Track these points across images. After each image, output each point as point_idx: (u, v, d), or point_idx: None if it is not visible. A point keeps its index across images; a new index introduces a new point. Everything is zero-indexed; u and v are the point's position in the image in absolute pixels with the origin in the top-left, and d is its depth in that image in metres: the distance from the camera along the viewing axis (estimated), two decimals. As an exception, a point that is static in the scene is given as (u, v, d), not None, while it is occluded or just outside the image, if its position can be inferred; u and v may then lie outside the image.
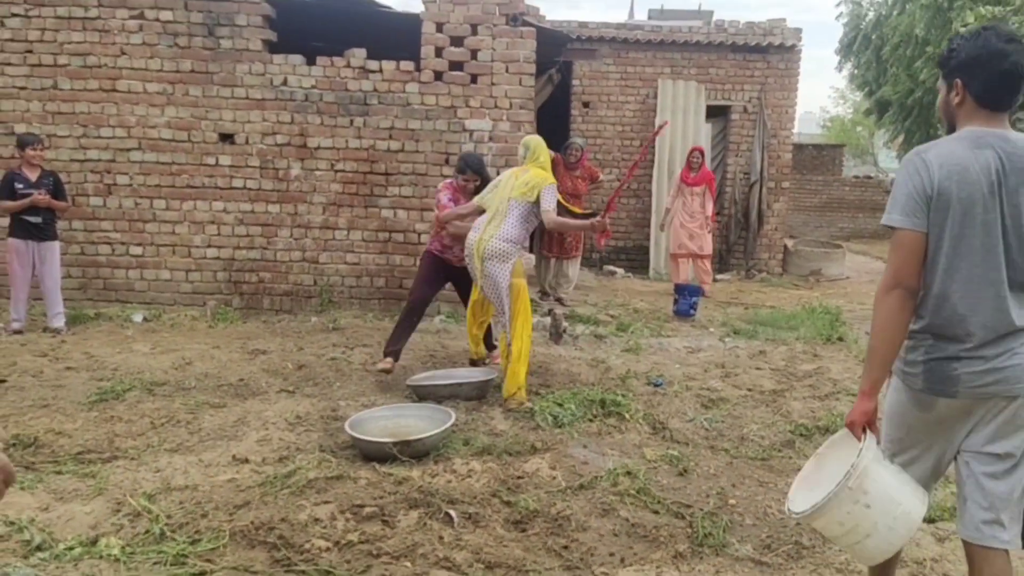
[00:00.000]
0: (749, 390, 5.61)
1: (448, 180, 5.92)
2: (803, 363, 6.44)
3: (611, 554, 3.10)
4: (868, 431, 2.25)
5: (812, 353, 6.80)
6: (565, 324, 7.14)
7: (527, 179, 5.13)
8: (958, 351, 2.18)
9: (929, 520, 3.50)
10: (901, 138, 18.99)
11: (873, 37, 18.14)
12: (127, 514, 3.24)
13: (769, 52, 12.20)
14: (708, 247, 10.21)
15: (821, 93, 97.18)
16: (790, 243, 13.90)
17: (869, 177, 23.64)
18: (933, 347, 2.22)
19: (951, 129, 2.31)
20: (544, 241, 9.15)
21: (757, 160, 12.31)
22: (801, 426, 4.77)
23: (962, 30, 11.93)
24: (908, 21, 15.90)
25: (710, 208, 10.20)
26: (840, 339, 7.31)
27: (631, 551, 3.14)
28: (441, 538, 3.13)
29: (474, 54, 7.51)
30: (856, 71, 20.43)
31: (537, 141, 5.39)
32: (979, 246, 2.15)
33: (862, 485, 2.16)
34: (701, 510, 3.50)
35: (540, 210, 5.06)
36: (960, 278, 2.17)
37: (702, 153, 10.19)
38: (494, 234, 5.00)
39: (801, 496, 2.37)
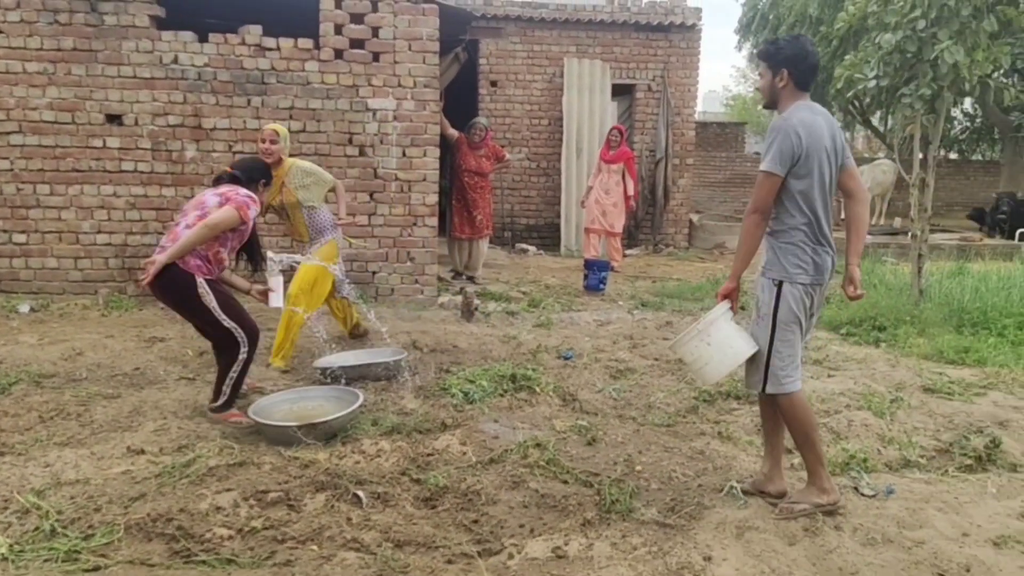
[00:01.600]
0: (656, 360, 5.73)
1: (248, 193, 4.45)
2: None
3: (521, 525, 3.12)
4: (728, 301, 3.27)
5: (716, 323, 6.97)
6: (477, 302, 7.14)
7: None
8: (826, 251, 3.17)
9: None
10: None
11: (770, 17, 18.72)
12: (15, 511, 3.06)
13: (671, 31, 12.43)
14: (619, 226, 10.37)
15: (724, 72, 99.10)
16: (695, 218, 14.27)
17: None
18: (814, 251, 3.14)
19: (772, 105, 3.27)
20: (456, 223, 9.11)
21: (662, 138, 12.55)
22: (705, 392, 4.90)
23: (852, 8, 12.42)
24: (802, 2, 16.52)
25: (632, 187, 10.34)
26: (743, 308, 7.51)
27: (540, 521, 3.16)
28: (349, 519, 3.08)
29: (375, 32, 7.36)
30: (755, 50, 21.06)
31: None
32: (828, 183, 3.15)
33: (708, 331, 3.20)
34: (609, 477, 3.55)
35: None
36: (821, 205, 3.13)
37: (621, 132, 10.31)
38: None
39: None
